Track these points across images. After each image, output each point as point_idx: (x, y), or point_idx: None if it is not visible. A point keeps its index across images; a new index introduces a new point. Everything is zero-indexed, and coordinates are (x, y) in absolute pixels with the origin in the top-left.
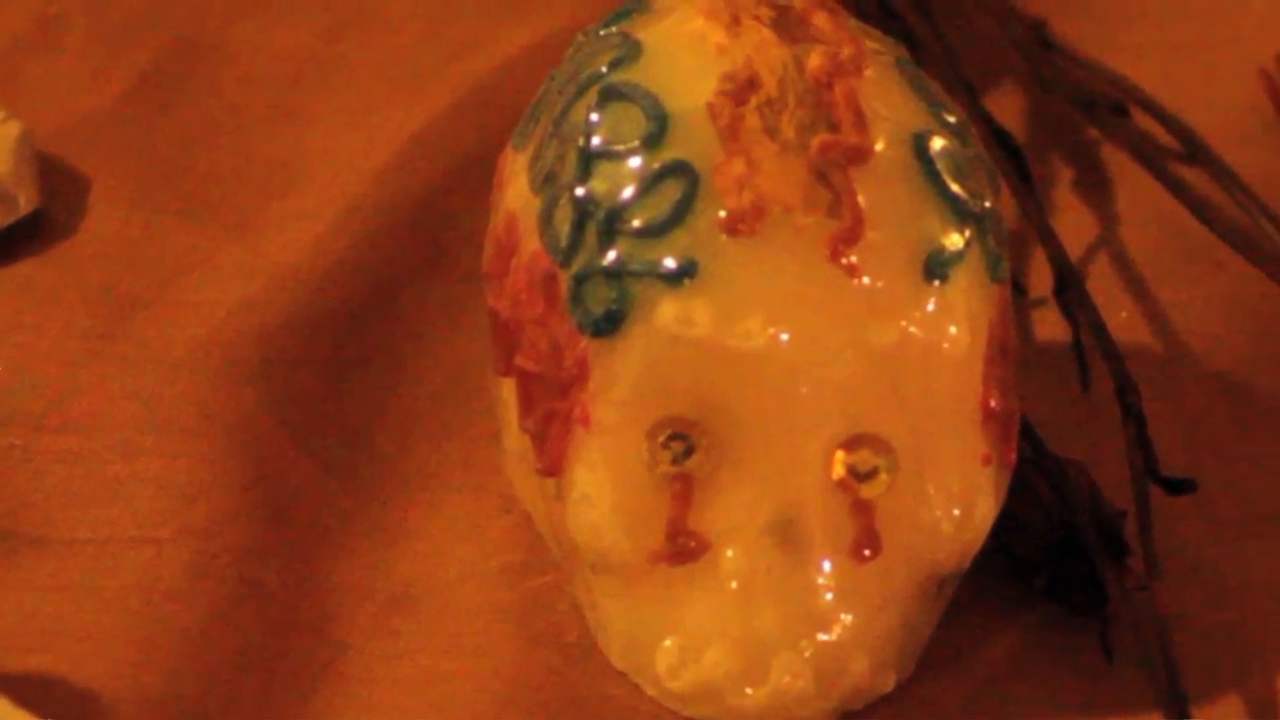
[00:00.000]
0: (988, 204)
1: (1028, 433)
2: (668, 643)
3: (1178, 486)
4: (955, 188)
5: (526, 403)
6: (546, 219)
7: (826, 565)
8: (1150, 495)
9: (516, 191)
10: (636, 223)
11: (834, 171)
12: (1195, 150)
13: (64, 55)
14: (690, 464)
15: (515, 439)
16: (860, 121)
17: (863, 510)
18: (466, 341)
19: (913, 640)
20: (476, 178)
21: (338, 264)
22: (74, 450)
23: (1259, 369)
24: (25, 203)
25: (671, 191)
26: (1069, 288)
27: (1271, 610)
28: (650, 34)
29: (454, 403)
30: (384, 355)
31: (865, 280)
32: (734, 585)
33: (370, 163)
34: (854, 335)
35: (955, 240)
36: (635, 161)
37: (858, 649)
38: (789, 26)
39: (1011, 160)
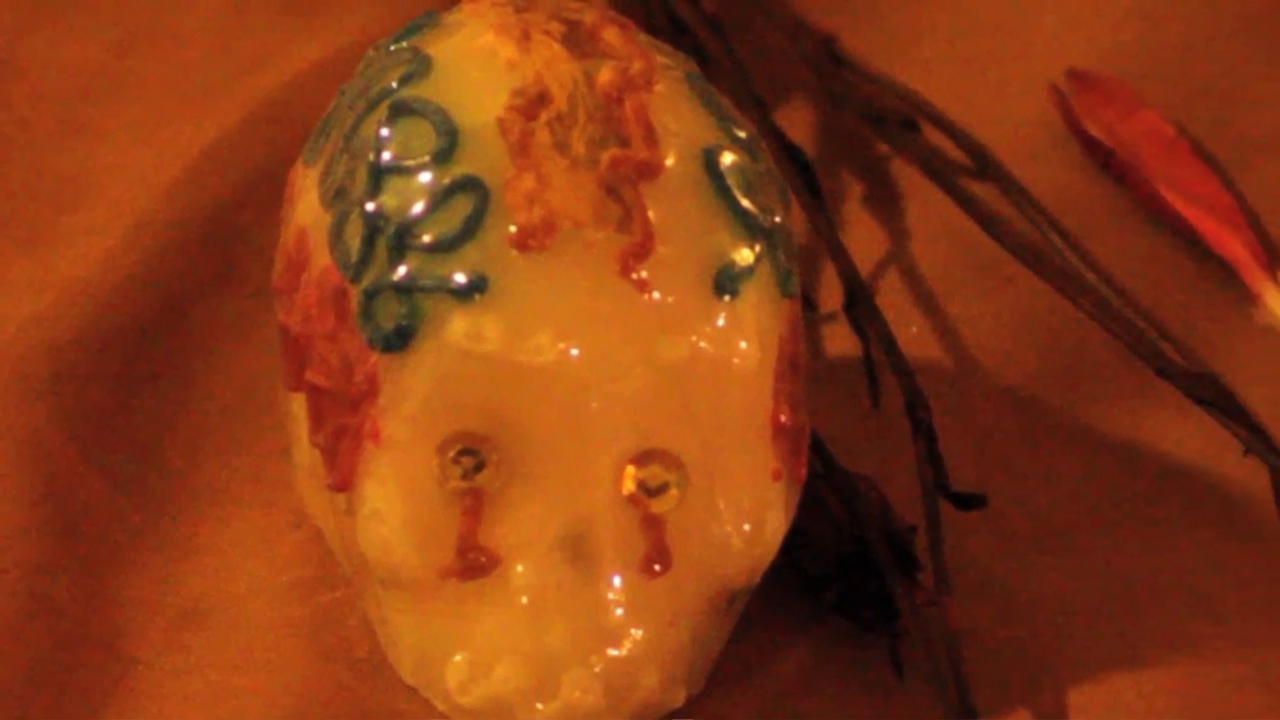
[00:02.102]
0: (778, 219)
1: (818, 448)
2: (458, 658)
3: (968, 502)
4: (745, 203)
5: (317, 418)
6: (337, 234)
7: (617, 580)
8: (940, 510)
9: (307, 207)
10: (427, 238)
11: (624, 186)
12: (985, 165)
13: None
14: (480, 479)
15: (306, 454)
16: (650, 136)
17: (653, 525)
18: (257, 357)
19: (703, 655)
20: (267, 193)
21: (128, 279)
22: None
23: (1048, 384)
24: None
25: (462, 207)
26: (859, 302)
27: (1061, 625)
28: (440, 49)
29: (244, 418)
30: (174, 370)
31: (655, 295)
32: (524, 600)
33: (160, 177)
34: (644, 350)
35: (745, 255)
36: (425, 177)
37: (648, 664)
38: (579, 41)
39: (802, 175)
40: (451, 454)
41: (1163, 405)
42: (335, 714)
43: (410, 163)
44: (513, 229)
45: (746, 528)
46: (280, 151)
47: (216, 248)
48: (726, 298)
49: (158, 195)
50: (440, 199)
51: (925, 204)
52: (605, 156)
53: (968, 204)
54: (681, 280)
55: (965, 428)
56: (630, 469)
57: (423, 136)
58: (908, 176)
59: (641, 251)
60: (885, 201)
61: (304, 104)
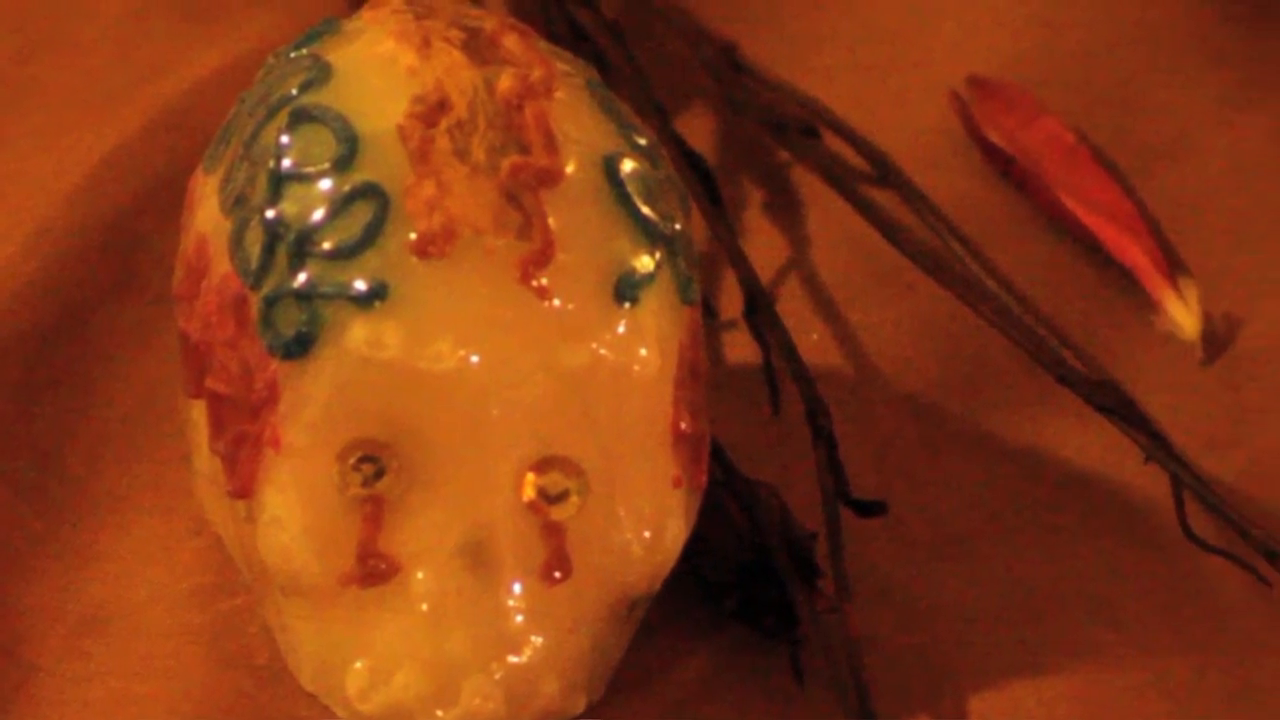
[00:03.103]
0: (678, 226)
1: (718, 455)
2: (358, 665)
3: (868, 509)
4: (646, 210)
5: (217, 425)
6: (237, 241)
7: (517, 587)
8: (841, 517)
9: (207, 214)
10: (327, 245)
11: (524, 194)
12: (886, 172)
13: None
14: (381, 486)
15: (206, 461)
16: (550, 143)
17: (553, 532)
18: (157, 364)
19: (603, 662)
20: (167, 200)
21: (28, 286)
22: None
23: (949, 391)
24: None
25: (362, 214)
26: (759, 310)
27: (961, 632)
28: (340, 56)
29: (145, 425)
30: (74, 378)
31: (556, 302)
32: (424, 607)
33: (60, 185)
34: (544, 357)
35: (646, 262)
36: (326, 184)
37: (548, 671)
38: (479, 49)
39: (702, 182)
40: (352, 461)
41: (1063, 412)
42: None
43: (310, 170)
44: (413, 236)
45: (647, 535)
46: (180, 159)
47: (117, 255)
48: (627, 305)
49: (58, 202)
50: (340, 206)
51: (826, 211)
52: (505, 164)
53: (868, 211)
54: (582, 287)
55: (866, 435)
56: (530, 476)
57: (323, 144)
58: (808, 184)
59: (541, 259)
60: (785, 209)
61: (204, 111)
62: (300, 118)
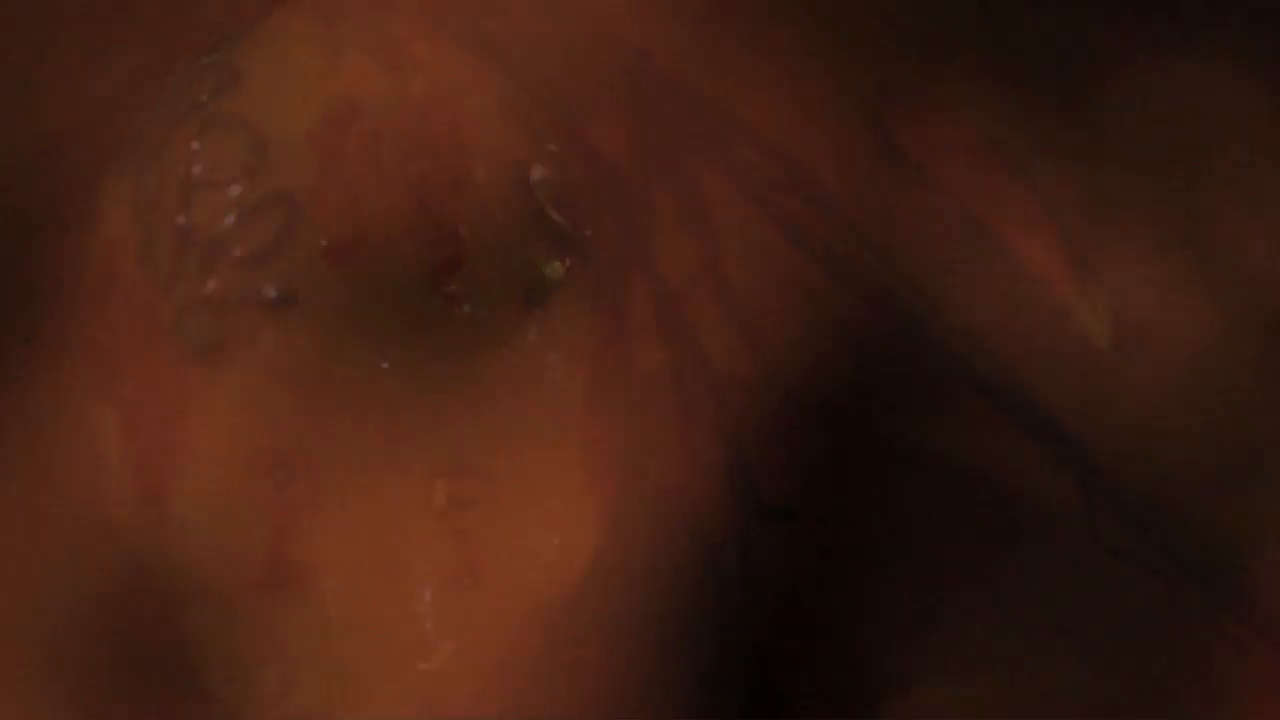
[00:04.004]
0: (588, 232)
1: (630, 460)
2: (267, 670)
3: (779, 516)
4: (556, 216)
5: (128, 431)
6: (148, 248)
7: (427, 594)
8: (752, 524)
9: (118, 221)
10: (237, 252)
11: (434, 200)
12: (796, 177)
13: None
14: (291, 492)
15: (118, 467)
16: (461, 150)
17: (463, 538)
18: (69, 370)
19: (514, 668)
20: (78, 207)
21: None
22: None
23: (860, 398)
24: None
25: (272, 220)
26: (669, 315)
27: (871, 638)
28: (251, 62)
29: (56, 431)
30: None
31: (466, 309)
32: (334, 613)
33: None
34: (455, 364)
35: (556, 268)
36: (236, 190)
37: (458, 677)
38: (390, 54)
39: (613, 188)
40: (262, 467)
41: (974, 420)
42: None
43: (220, 177)
44: (323, 243)
45: (557, 541)
46: (91, 165)
47: (27, 262)
48: (537, 311)
49: None
50: (250, 213)
51: (736, 217)
52: (415, 170)
53: (778, 216)
54: (492, 293)
55: (777, 441)
56: (441, 483)
57: (233, 150)
58: (719, 189)
59: (451, 265)
60: (696, 215)
61: (115, 118)
62: (211, 124)
